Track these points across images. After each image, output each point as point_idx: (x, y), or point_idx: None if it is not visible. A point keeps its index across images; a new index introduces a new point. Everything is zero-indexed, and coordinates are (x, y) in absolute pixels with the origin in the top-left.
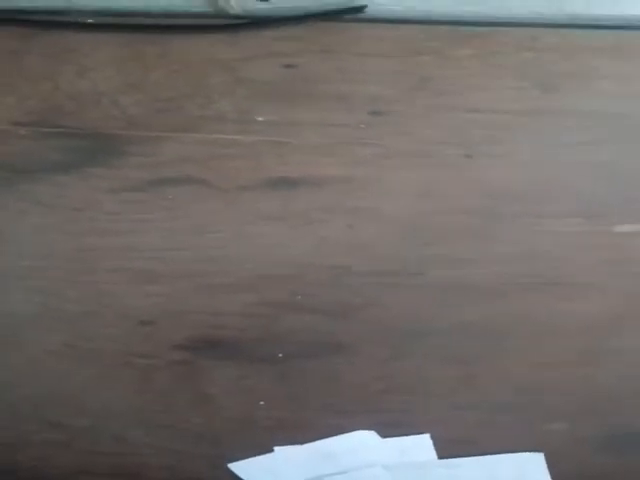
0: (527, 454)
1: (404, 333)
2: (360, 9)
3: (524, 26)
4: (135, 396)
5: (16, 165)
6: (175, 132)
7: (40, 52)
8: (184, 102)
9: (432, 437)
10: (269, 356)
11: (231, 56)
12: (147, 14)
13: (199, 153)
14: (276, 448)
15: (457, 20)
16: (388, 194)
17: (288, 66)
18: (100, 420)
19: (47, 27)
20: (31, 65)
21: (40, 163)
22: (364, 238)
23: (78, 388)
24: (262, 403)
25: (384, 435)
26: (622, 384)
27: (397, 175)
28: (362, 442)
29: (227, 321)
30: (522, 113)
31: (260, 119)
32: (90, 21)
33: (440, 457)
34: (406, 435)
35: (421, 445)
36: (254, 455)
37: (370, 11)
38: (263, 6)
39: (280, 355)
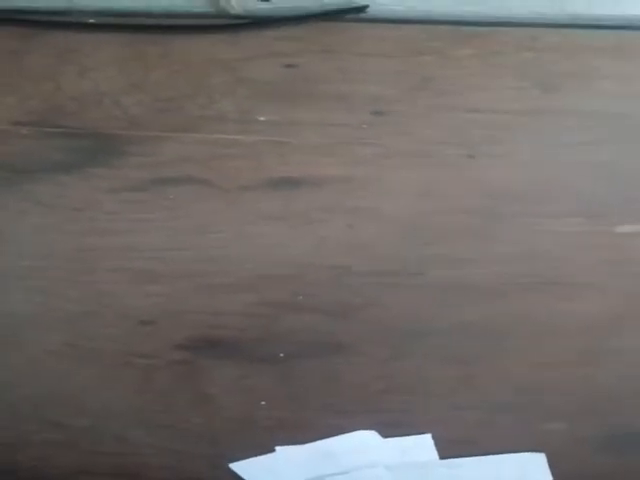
0: (529, 454)
1: (404, 333)
2: (361, 9)
3: (525, 26)
4: (135, 396)
5: (17, 165)
6: (176, 132)
7: (41, 52)
8: (185, 102)
9: (432, 437)
10: (269, 356)
11: (232, 56)
12: (148, 14)
13: (200, 153)
14: (277, 448)
15: (458, 20)
16: (388, 194)
17: (289, 66)
18: (100, 420)
19: (48, 27)
20: (32, 65)
21: (41, 163)
22: (364, 238)
23: (78, 388)
24: (263, 403)
25: (384, 435)
26: (622, 384)
27: (397, 175)
28: (363, 442)
29: (227, 321)
30: (522, 113)
31: (261, 119)
32: (91, 21)
33: (440, 457)
34: (406, 435)
35: (422, 445)
36: (255, 455)
37: (371, 11)
38: (264, 6)
39: (280, 355)
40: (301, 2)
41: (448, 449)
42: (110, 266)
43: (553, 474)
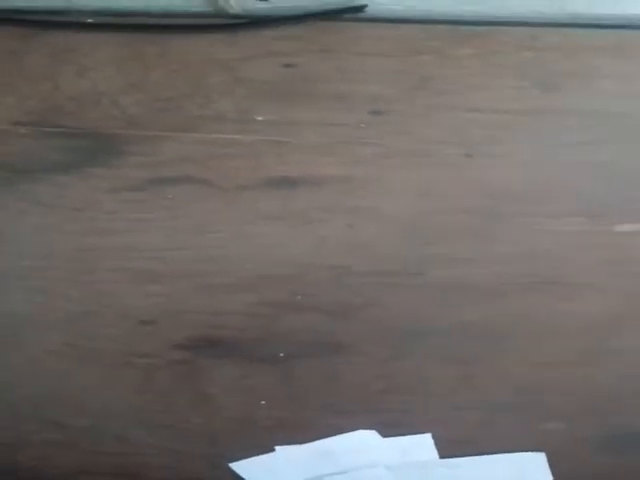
0: (529, 454)
1: (404, 333)
2: (360, 9)
3: (524, 25)
4: (135, 396)
5: (16, 165)
6: (175, 132)
7: (40, 52)
8: (184, 102)
9: (432, 437)
10: (269, 356)
11: (230, 56)
12: (147, 14)
13: (199, 153)
14: (277, 448)
15: (457, 19)
16: (388, 194)
17: (288, 66)
18: (100, 420)
19: (47, 27)
20: (31, 65)
21: (40, 163)
22: (364, 238)
23: (78, 388)
24: (263, 403)
25: (384, 435)
26: (622, 384)
27: (397, 175)
28: (363, 442)
29: (227, 321)
30: (522, 113)
31: (260, 119)
32: (90, 21)
33: (440, 457)
34: (406, 435)
35: (422, 445)
36: (255, 455)
37: (370, 10)
38: (262, 6)
39: (280, 355)
40: (299, 2)
41: (448, 449)
42: (110, 266)
43: (553, 474)
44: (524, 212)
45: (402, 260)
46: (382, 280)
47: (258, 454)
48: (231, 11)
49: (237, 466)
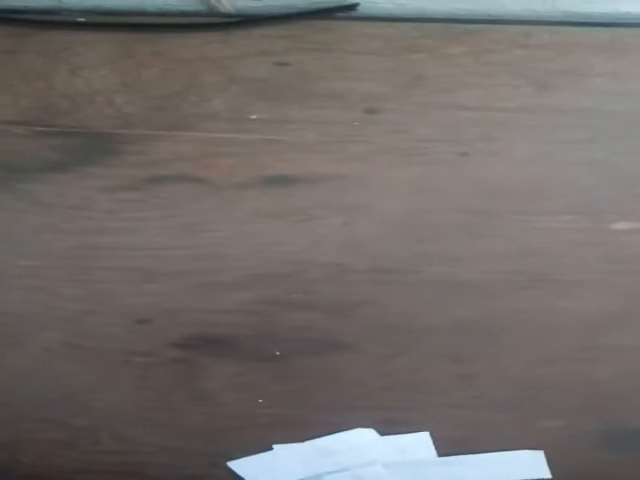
0: (527, 452)
1: (401, 331)
2: (352, 7)
3: (518, 23)
4: (133, 394)
5: (11, 164)
6: (169, 130)
7: (34, 51)
8: (178, 100)
9: (430, 435)
10: (267, 354)
11: (224, 54)
12: (141, 13)
13: (193, 151)
14: (275, 446)
15: (450, 18)
16: (383, 192)
17: (281, 64)
18: (99, 418)
19: (41, 26)
20: (25, 64)
21: (35, 162)
22: (360, 236)
23: (76, 387)
24: (260, 401)
25: (383, 433)
26: (619, 381)
27: (392, 173)
28: (361, 440)
29: (224, 319)
30: (516, 110)
31: (254, 117)
32: (81, 20)
33: (438, 455)
34: (404, 433)
35: (421, 443)
36: (253, 453)
37: (362, 9)
38: (255, 4)
39: (278, 353)
40: (292, 0)
41: (446, 447)
42: (107, 265)
43: (552, 471)
44: (519, 210)
45: (398, 258)
46: (379, 278)
47: (256, 452)
48: (224, 10)
49: (235, 465)
